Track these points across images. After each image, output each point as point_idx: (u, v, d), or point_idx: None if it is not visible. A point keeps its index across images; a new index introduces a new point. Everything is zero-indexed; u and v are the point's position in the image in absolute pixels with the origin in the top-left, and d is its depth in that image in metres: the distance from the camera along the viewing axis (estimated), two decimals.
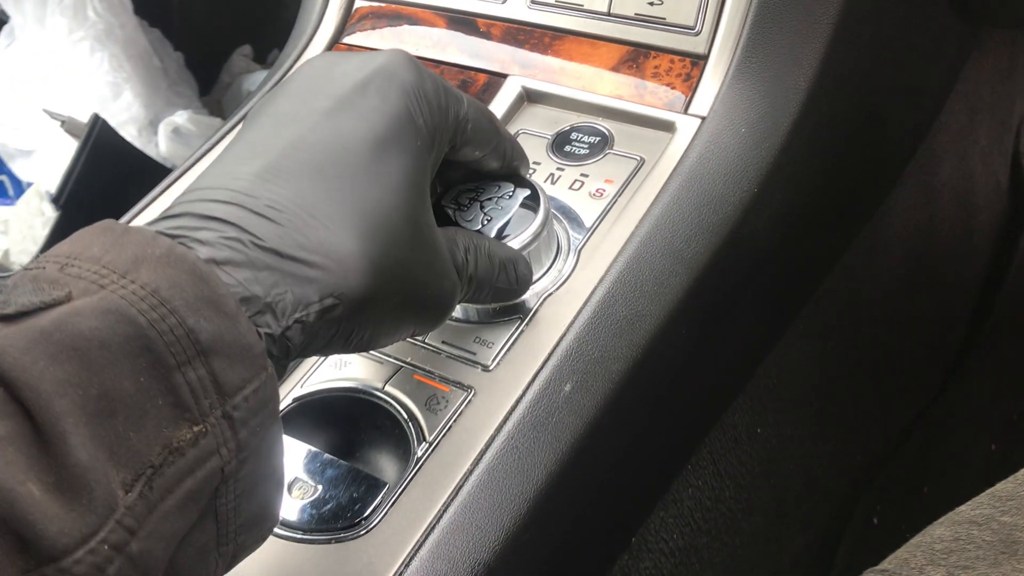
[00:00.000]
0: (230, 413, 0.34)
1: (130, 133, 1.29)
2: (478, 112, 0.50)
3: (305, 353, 0.41)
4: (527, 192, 0.55)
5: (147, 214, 0.68)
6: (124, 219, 0.68)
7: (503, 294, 0.54)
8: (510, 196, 0.55)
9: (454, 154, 0.50)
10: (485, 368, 0.55)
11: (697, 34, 0.64)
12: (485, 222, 0.54)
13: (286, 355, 0.39)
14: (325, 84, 0.45)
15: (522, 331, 0.56)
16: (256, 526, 0.37)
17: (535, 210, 0.55)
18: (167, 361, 0.32)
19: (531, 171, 0.65)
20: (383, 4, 0.77)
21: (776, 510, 0.85)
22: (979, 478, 0.55)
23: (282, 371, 0.39)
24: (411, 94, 0.45)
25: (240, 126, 0.47)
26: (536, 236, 0.55)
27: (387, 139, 0.43)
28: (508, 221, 0.54)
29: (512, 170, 0.55)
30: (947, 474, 1.01)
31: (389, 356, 0.57)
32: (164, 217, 0.39)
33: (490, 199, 0.55)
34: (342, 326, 0.40)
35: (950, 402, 1.08)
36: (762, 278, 0.68)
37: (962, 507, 0.48)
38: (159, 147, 1.29)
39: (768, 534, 0.85)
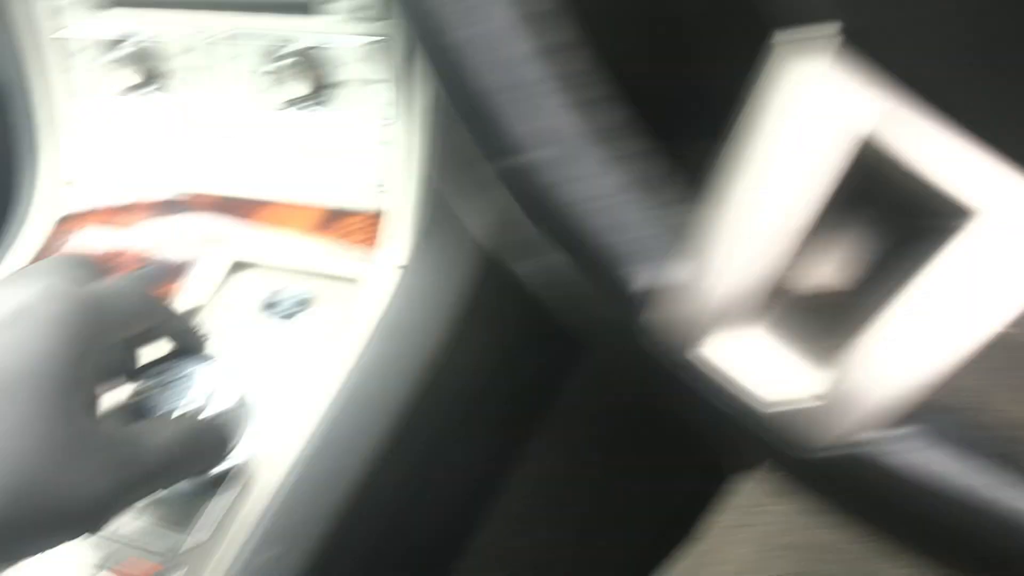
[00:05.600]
0: None
1: None
2: (138, 298, 0.52)
3: None
4: (211, 360, 0.57)
5: None
6: None
7: (201, 468, 0.55)
8: (198, 369, 0.57)
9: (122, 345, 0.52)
10: (198, 542, 0.56)
11: (383, 193, 0.68)
12: (178, 402, 0.55)
13: None
14: None
15: (234, 500, 0.57)
16: None
17: (225, 378, 0.56)
18: None
19: (237, 339, 0.67)
20: (90, 195, 0.79)
21: None
22: None
23: None
24: (58, 321, 0.46)
25: None
26: (232, 405, 0.56)
27: (26, 369, 0.44)
28: (201, 394, 0.55)
29: (185, 343, 0.58)
30: None
31: (104, 536, 0.57)
32: None
33: (176, 379, 0.56)
34: None
35: (720, 486, 1.15)
36: (479, 410, 0.72)
37: None
38: None
39: None
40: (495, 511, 0.79)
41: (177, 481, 0.55)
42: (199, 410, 0.55)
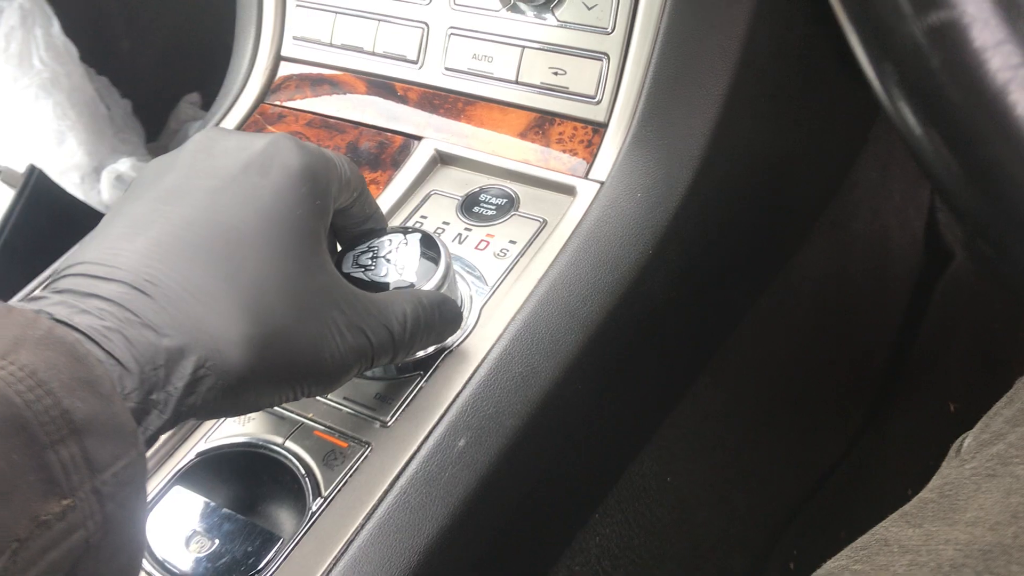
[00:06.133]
0: (99, 488, 0.36)
1: (73, 180, 1.31)
2: (350, 166, 0.53)
3: (190, 418, 0.43)
4: (419, 236, 0.57)
5: None
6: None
7: (436, 339, 0.56)
8: (406, 244, 0.57)
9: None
10: (383, 424, 0.57)
11: (598, 103, 0.67)
12: (398, 273, 0.56)
13: (161, 426, 0.41)
14: (208, 162, 0.47)
15: (421, 387, 0.58)
16: None
17: (435, 256, 0.57)
18: (40, 440, 0.34)
19: (440, 230, 0.67)
20: (306, 70, 0.80)
21: (690, 557, 0.87)
22: None
23: (154, 440, 0.41)
24: (294, 171, 0.47)
25: (126, 193, 0.49)
26: (444, 278, 0.56)
27: (269, 216, 0.45)
28: (410, 271, 0.56)
29: (376, 221, 0.58)
30: (863, 518, 1.04)
31: (291, 412, 0.59)
32: (49, 291, 0.41)
33: (390, 251, 0.57)
34: (220, 398, 0.42)
35: (867, 447, 1.11)
36: (663, 334, 0.70)
37: (827, 563, 0.51)
38: (102, 194, 1.31)
39: None
40: (651, 442, 0.79)
41: (414, 354, 0.56)
42: (414, 283, 0.55)
